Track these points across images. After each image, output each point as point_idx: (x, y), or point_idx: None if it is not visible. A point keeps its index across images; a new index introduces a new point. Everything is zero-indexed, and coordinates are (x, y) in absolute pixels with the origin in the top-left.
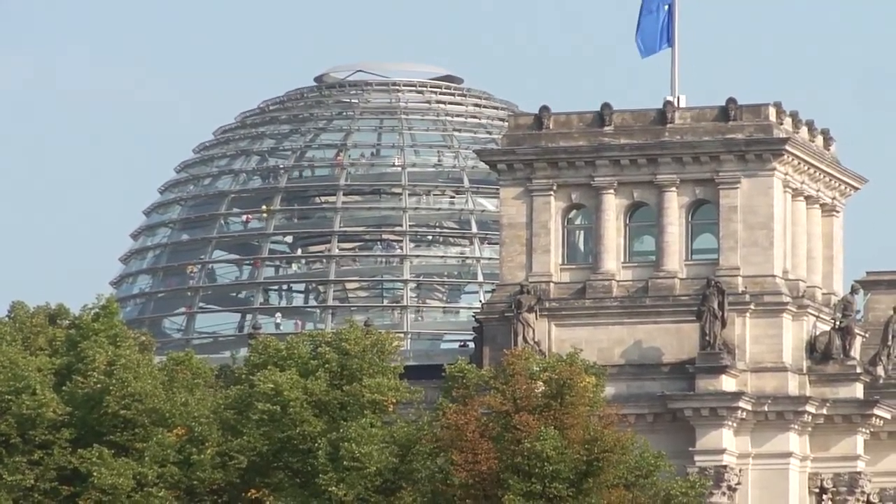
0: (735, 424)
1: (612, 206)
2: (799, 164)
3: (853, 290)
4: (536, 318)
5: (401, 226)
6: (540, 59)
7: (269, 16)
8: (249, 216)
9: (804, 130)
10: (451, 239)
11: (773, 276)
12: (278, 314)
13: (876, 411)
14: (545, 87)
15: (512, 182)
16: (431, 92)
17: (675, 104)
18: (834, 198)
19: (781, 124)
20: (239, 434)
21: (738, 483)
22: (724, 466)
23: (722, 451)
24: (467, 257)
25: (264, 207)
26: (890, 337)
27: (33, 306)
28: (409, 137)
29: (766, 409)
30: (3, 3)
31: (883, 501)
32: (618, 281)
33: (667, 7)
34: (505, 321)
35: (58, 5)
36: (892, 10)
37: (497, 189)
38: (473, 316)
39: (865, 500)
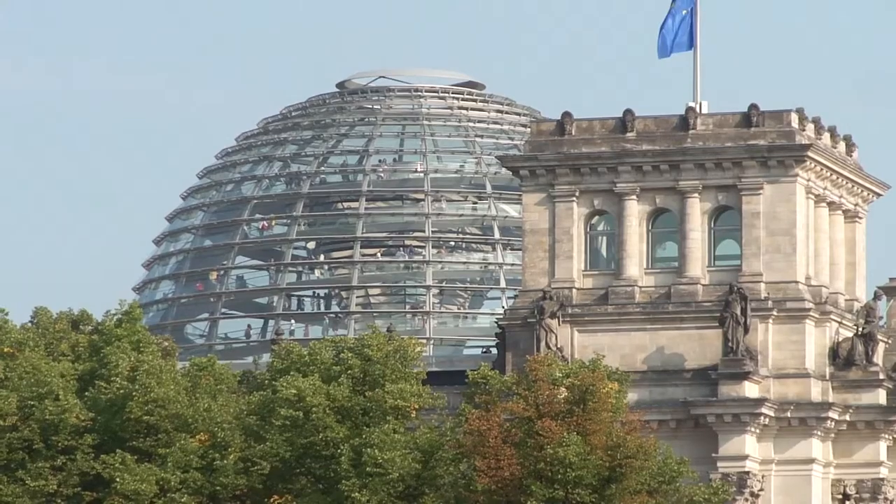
0: (758, 431)
1: (635, 212)
2: (821, 170)
3: (876, 297)
4: (559, 324)
5: (423, 232)
6: (562, 65)
7: (292, 22)
8: (265, 223)
9: (826, 136)
10: (473, 245)
11: (796, 282)
12: (292, 320)
13: None
14: (567, 93)
15: (534, 188)
16: (454, 98)
17: (698, 110)
18: (856, 204)
19: (804, 130)
20: (262, 440)
21: (761, 489)
22: (747, 473)
23: (745, 458)
24: (490, 263)
25: (272, 216)
26: None
27: (56, 312)
28: (432, 143)
29: (788, 415)
30: (28, 9)
31: None
32: (640, 287)
33: (685, 12)
34: (527, 327)
35: (81, 11)
36: None
37: (519, 195)
38: (496, 322)
39: None
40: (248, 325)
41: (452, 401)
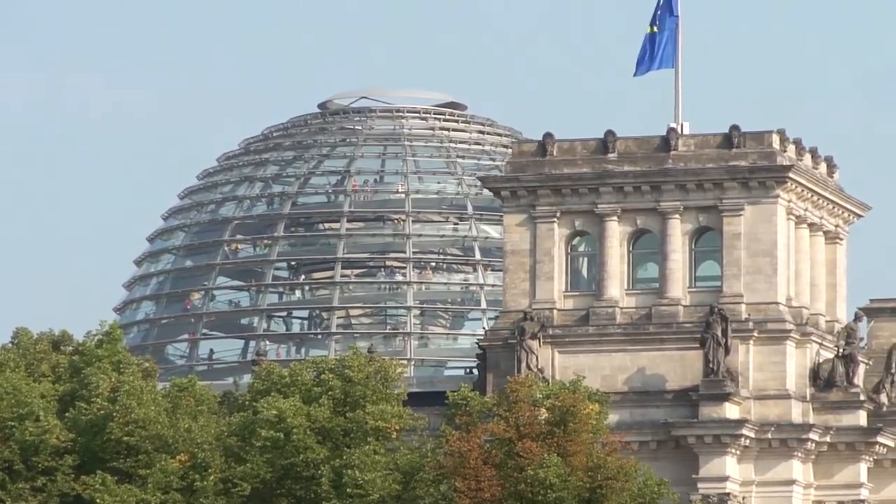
0: (738, 452)
1: (616, 233)
2: (802, 191)
3: (857, 318)
4: (540, 345)
5: (404, 252)
6: (543, 86)
7: (273, 43)
8: (238, 245)
9: (808, 157)
10: (454, 266)
11: (777, 303)
12: (266, 341)
13: (879, 439)
14: (549, 114)
15: (515, 209)
16: (435, 119)
17: (679, 131)
18: (837, 225)
19: (785, 151)
20: (242, 461)
21: None
22: (728, 494)
23: (725, 479)
24: (471, 284)
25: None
26: (893, 364)
27: (37, 333)
28: (413, 164)
29: (769, 436)
30: (13, 24)
31: None
32: (621, 308)
33: (653, 29)
34: (508, 348)
35: (66, 30)
36: None
37: (500, 216)
38: (477, 343)
39: None
40: (211, 350)
41: (433, 422)
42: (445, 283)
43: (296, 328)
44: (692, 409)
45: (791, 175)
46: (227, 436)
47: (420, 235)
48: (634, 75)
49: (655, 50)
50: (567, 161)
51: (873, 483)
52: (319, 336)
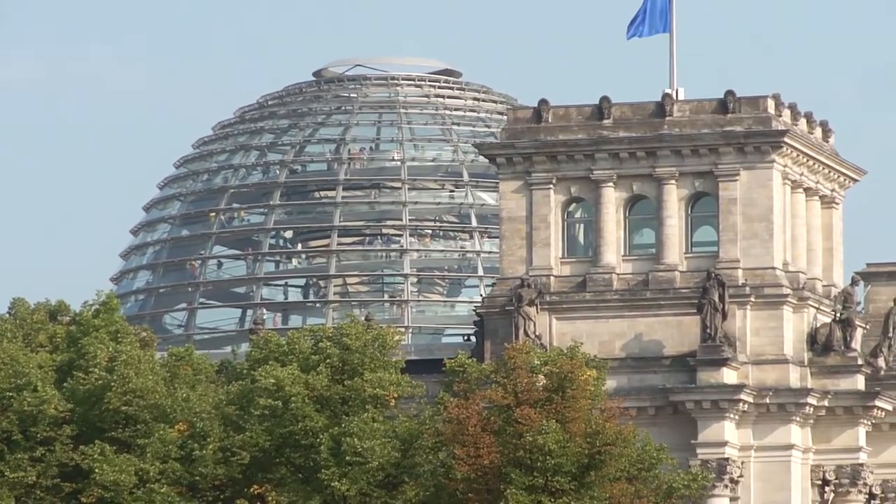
0: (737, 417)
1: (612, 199)
2: (798, 156)
3: (853, 282)
4: (537, 312)
5: (401, 220)
6: (539, 53)
7: (268, 11)
8: (243, 213)
9: (803, 122)
10: (451, 233)
11: (774, 268)
12: (263, 309)
13: (877, 403)
14: (544, 81)
15: (511, 176)
16: (430, 86)
17: (674, 97)
18: (833, 189)
19: (780, 116)
20: (241, 429)
21: (740, 475)
22: (726, 459)
23: (724, 444)
24: (467, 251)
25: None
26: (891, 328)
27: (34, 303)
28: (409, 131)
29: (767, 401)
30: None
31: (885, 493)
32: (618, 274)
33: None
34: (506, 315)
35: (58, 2)
36: (892, 2)
37: (496, 183)
38: (474, 310)
39: (867, 491)
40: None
41: (431, 389)
42: (442, 251)
43: (293, 297)
44: (690, 375)
45: (786, 140)
46: (225, 405)
47: (416, 203)
48: (627, 38)
49: (648, 14)
50: (562, 127)
51: (871, 447)
52: (317, 304)
